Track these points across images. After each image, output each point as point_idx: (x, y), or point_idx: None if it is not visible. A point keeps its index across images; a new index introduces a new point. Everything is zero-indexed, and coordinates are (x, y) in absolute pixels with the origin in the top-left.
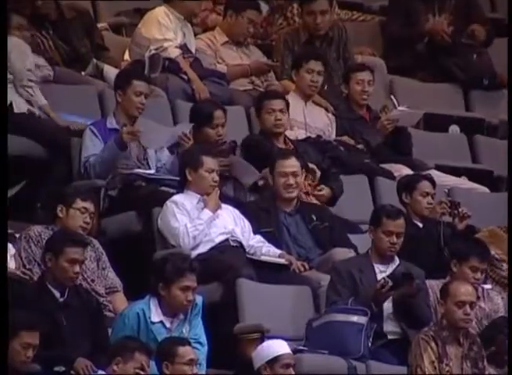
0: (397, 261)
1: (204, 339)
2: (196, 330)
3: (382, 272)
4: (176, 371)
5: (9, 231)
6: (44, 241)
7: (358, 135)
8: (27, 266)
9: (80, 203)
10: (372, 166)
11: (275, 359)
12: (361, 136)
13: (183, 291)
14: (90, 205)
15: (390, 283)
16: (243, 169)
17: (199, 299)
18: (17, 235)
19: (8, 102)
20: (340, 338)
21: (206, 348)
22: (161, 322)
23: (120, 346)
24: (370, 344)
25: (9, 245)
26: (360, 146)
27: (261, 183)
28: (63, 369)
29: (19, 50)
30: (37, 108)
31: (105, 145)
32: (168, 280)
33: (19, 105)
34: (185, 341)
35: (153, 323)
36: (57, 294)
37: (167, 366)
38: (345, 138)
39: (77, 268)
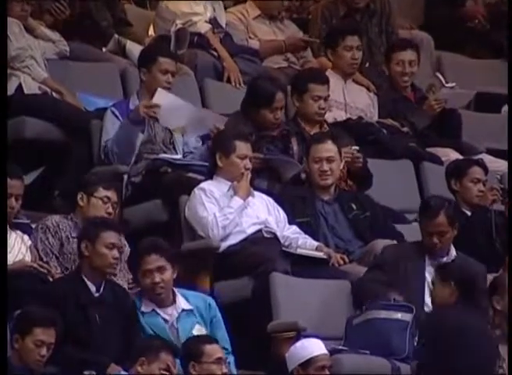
0: (453, 254)
1: (229, 345)
2: (218, 334)
3: (432, 265)
4: (204, 371)
5: (25, 221)
6: (63, 232)
7: (403, 116)
8: (44, 259)
9: (102, 192)
10: (418, 151)
11: (310, 361)
12: (406, 117)
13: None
14: (113, 194)
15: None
16: (284, 161)
17: (210, 300)
18: (33, 225)
19: (16, 84)
20: (383, 337)
21: (231, 356)
22: (154, 310)
23: (144, 346)
24: (415, 344)
25: (25, 237)
26: (404, 128)
27: (303, 176)
28: (94, 373)
29: (10, 31)
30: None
31: (120, 124)
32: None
33: (29, 85)
34: (212, 339)
35: (144, 313)
36: (92, 288)
37: (194, 366)
38: (388, 120)
39: (116, 253)
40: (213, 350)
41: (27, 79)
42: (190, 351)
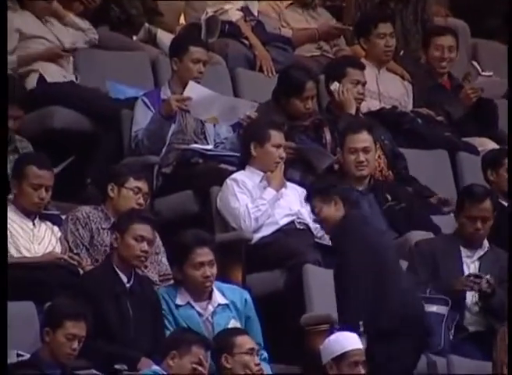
0: (486, 246)
1: (262, 341)
2: (252, 329)
3: (468, 257)
4: (237, 363)
5: (55, 212)
6: (93, 223)
7: (438, 106)
8: (74, 251)
9: (133, 182)
10: (454, 140)
11: (343, 356)
12: (442, 107)
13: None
14: (144, 185)
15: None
16: (317, 152)
17: (246, 294)
18: (63, 217)
19: (36, 77)
20: None
21: (264, 352)
22: (189, 303)
23: (176, 339)
24: (451, 337)
25: (55, 228)
26: (440, 118)
27: (336, 167)
28: (125, 367)
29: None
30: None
31: (151, 116)
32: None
33: (52, 74)
34: (242, 331)
35: (178, 306)
36: (124, 278)
37: (226, 359)
38: (423, 109)
39: (145, 246)
40: (244, 341)
41: (48, 67)
42: (221, 343)
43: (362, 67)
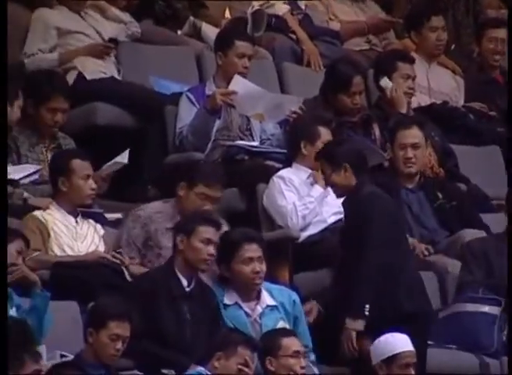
0: None
1: (310, 343)
2: (300, 331)
3: None
4: (281, 366)
5: (98, 210)
6: (154, 224)
7: (491, 100)
8: (125, 249)
9: (202, 189)
10: (507, 136)
11: (393, 358)
12: (494, 101)
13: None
14: (215, 193)
15: None
16: (365, 148)
17: (295, 296)
18: (107, 215)
19: (75, 75)
20: (470, 331)
21: (312, 354)
22: (237, 303)
23: (221, 340)
24: (504, 339)
25: (98, 226)
26: (492, 113)
27: (387, 164)
28: (173, 373)
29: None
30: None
31: (196, 112)
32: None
33: (91, 70)
34: (290, 332)
35: (226, 305)
36: (184, 282)
37: (270, 361)
38: (475, 104)
39: (211, 249)
40: (290, 343)
41: (87, 63)
42: (267, 345)
43: (412, 61)
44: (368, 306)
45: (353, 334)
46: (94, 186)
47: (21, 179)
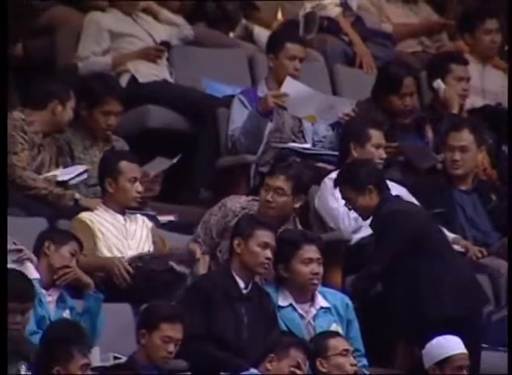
0: None
1: (362, 347)
2: (352, 334)
3: None
4: (332, 365)
5: (151, 213)
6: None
7: None
8: (201, 236)
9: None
10: None
11: (447, 360)
12: None
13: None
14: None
15: None
16: (418, 152)
17: (348, 299)
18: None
19: (128, 78)
20: None
21: (364, 358)
22: (291, 305)
23: (274, 342)
24: None
25: (145, 219)
26: None
27: (440, 166)
28: None
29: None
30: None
31: (248, 114)
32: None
33: (144, 73)
34: (336, 333)
35: (280, 307)
36: (241, 284)
37: (321, 363)
38: None
39: (269, 253)
40: (338, 343)
41: (139, 66)
42: (315, 347)
43: (466, 63)
44: None
45: None
46: (140, 189)
47: (70, 180)
